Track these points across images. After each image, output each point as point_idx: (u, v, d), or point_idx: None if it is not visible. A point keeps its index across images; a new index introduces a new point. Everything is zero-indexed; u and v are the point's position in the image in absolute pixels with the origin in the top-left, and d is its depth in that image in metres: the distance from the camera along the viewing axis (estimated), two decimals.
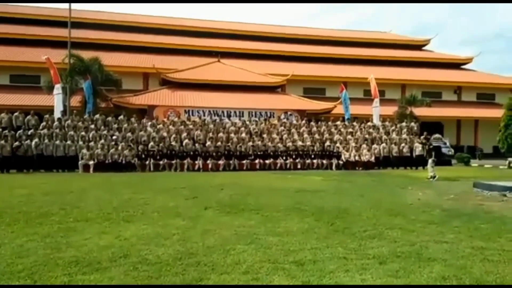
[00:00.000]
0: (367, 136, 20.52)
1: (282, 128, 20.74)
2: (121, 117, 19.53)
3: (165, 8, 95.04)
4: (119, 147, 16.85)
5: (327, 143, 19.72)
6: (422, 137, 19.74)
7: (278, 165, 17.91)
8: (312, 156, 18.69)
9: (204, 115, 23.34)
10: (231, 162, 17.55)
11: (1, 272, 3.87)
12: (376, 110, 24.24)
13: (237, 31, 39.62)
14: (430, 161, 14.14)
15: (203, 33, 38.27)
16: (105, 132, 17.91)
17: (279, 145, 18.86)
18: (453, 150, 27.43)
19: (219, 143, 18.26)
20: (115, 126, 18.69)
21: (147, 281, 3.65)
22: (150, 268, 4.00)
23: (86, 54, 23.82)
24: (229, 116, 23.09)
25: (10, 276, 3.76)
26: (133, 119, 19.51)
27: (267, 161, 17.94)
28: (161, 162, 16.85)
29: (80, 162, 16.03)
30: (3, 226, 5.83)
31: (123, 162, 16.56)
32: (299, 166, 18.11)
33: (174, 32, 37.60)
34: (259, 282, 3.65)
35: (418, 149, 18.88)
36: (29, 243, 4.92)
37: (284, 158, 18.24)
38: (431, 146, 15.75)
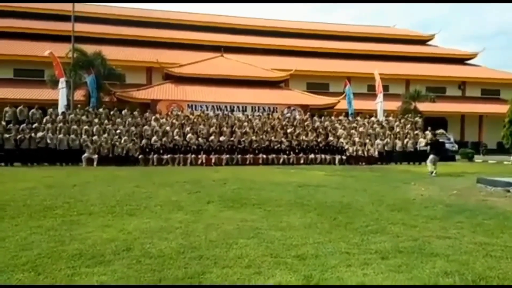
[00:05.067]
0: (370, 131, 20.46)
1: (285, 123, 20.71)
2: (125, 111, 19.56)
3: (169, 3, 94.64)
4: (123, 141, 16.89)
5: (331, 138, 19.69)
6: (427, 132, 19.69)
7: (281, 159, 17.89)
8: (315, 151, 18.67)
9: (207, 110, 23.29)
10: (234, 156, 17.55)
11: (5, 265, 3.90)
12: (380, 105, 24.16)
13: (240, 26, 39.46)
14: (430, 157, 14.10)
15: (207, 27, 38.17)
16: (108, 126, 17.95)
17: (283, 139, 18.84)
18: (457, 146, 27.34)
19: (222, 138, 18.26)
20: (119, 120, 18.73)
21: (150, 274, 3.67)
22: (153, 262, 4.03)
23: (90, 48, 23.77)
24: (232, 111, 23.03)
25: (14, 269, 3.79)
26: (136, 113, 19.54)
27: (270, 156, 17.92)
28: (164, 156, 16.88)
29: (83, 156, 16.07)
30: (7, 219, 5.87)
31: (127, 156, 16.61)
32: (302, 161, 18.10)
33: (178, 27, 37.52)
34: (261, 276, 3.66)
35: (421, 144, 18.82)
36: (33, 236, 4.95)
37: (287, 153, 18.22)
38: (434, 142, 15.67)
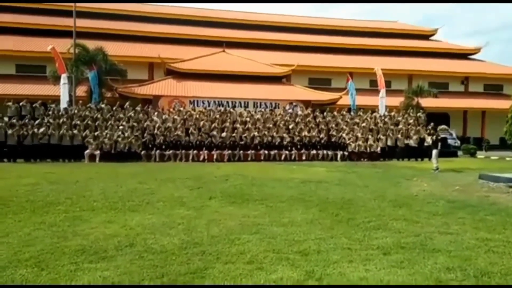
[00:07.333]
0: (373, 126, 20.40)
1: (287, 118, 20.68)
2: (126, 105, 19.57)
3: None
4: (125, 137, 16.90)
5: (333, 133, 19.66)
6: (429, 126, 19.62)
7: (283, 155, 17.87)
8: (317, 147, 18.64)
9: (209, 105, 23.27)
10: (236, 152, 17.55)
11: (8, 260, 3.92)
12: (382, 101, 24.07)
13: (242, 21, 39.34)
14: (434, 152, 14.04)
15: (209, 22, 38.06)
16: (111, 121, 17.96)
17: (285, 135, 18.82)
18: (459, 142, 27.27)
19: (224, 134, 18.25)
20: (121, 115, 18.74)
21: (152, 270, 3.69)
22: (155, 257, 4.04)
23: (91, 44, 23.77)
24: (234, 107, 23.02)
25: (17, 264, 3.81)
26: (138, 109, 19.56)
27: (272, 152, 17.90)
28: (166, 152, 16.90)
29: (86, 152, 16.09)
30: (10, 215, 5.90)
31: (129, 152, 16.63)
32: (304, 157, 18.07)
33: (180, 22, 37.45)
34: (263, 271, 3.67)
35: (427, 139, 18.71)
36: (36, 231, 4.97)
37: (289, 148, 18.21)
38: (438, 137, 15.61)
